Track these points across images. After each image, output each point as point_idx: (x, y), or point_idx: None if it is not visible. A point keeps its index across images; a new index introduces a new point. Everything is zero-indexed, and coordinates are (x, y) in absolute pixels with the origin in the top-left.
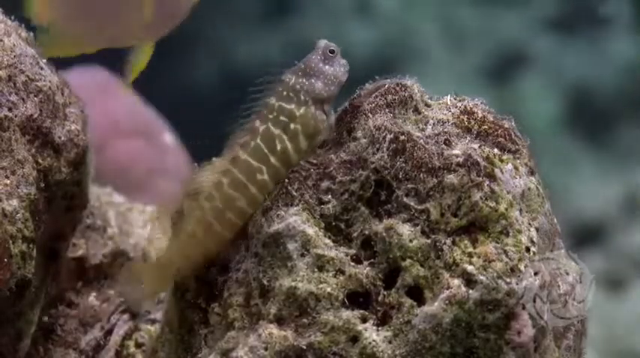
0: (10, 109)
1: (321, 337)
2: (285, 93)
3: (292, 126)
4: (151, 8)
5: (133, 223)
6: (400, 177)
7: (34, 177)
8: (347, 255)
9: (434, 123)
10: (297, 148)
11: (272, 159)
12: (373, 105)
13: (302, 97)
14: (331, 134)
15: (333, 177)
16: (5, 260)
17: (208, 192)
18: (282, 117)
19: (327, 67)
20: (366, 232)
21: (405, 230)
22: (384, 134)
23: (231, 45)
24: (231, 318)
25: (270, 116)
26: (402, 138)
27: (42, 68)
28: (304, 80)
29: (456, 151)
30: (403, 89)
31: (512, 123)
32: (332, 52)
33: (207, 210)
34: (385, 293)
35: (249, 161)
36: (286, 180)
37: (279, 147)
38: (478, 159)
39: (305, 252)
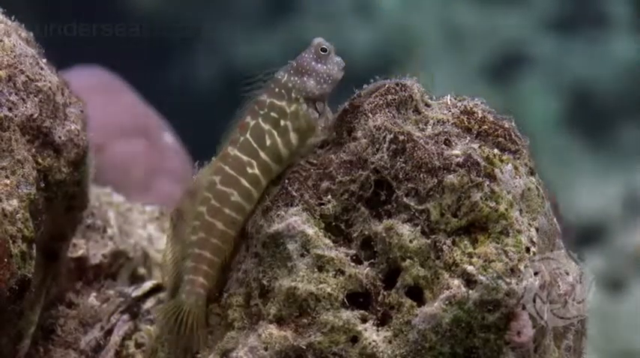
0: (10, 109)
1: (321, 337)
2: (277, 90)
3: (282, 122)
4: None
5: (133, 223)
6: (400, 177)
7: (34, 177)
8: (347, 256)
9: (434, 123)
10: (287, 144)
11: (262, 154)
12: (373, 105)
13: (293, 95)
14: (326, 132)
15: (333, 178)
16: (5, 260)
17: (202, 196)
18: (272, 114)
19: (319, 65)
20: (366, 232)
21: (405, 230)
22: (384, 134)
23: (231, 45)
24: (230, 318)
25: (261, 112)
26: (402, 138)
27: (42, 68)
28: (296, 78)
29: (456, 151)
30: (403, 89)
31: (513, 123)
32: (324, 50)
33: (204, 213)
34: (385, 293)
35: (238, 156)
36: (286, 180)
37: (268, 143)
38: (478, 160)
39: (305, 252)
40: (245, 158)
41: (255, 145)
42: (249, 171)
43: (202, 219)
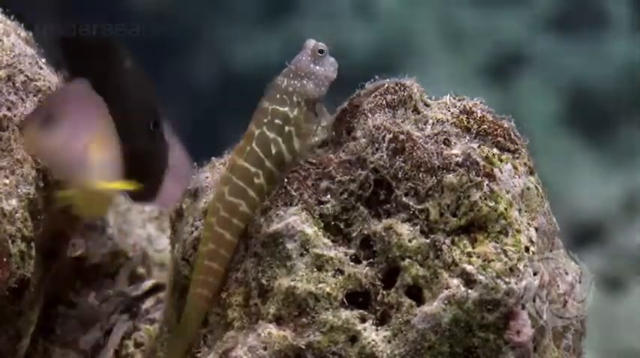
0: (9, 109)
1: (320, 337)
2: (277, 96)
3: (287, 128)
4: None
5: (132, 223)
6: (399, 176)
7: (33, 176)
8: (346, 255)
9: (433, 123)
10: (291, 150)
11: (267, 163)
12: (372, 104)
13: (294, 99)
14: (325, 133)
15: (333, 177)
16: (4, 259)
17: (211, 206)
18: (276, 121)
19: (317, 67)
20: (366, 232)
21: (405, 229)
22: (384, 134)
23: (230, 45)
24: (230, 318)
25: (265, 120)
26: (401, 137)
27: (41, 68)
28: (296, 82)
29: (455, 151)
30: (402, 89)
31: (512, 123)
32: (321, 51)
33: (214, 224)
34: (384, 292)
35: (245, 166)
36: (285, 180)
37: (274, 151)
38: (477, 159)
39: (304, 252)
40: (252, 169)
41: (261, 155)
42: (256, 181)
43: (212, 230)
